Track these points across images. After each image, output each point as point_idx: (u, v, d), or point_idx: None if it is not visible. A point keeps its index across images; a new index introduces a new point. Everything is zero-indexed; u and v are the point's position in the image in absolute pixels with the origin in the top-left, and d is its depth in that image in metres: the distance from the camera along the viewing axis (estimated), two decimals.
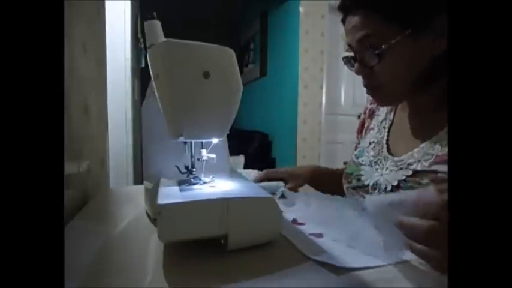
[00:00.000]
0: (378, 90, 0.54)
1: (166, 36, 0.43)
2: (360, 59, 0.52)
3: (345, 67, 0.57)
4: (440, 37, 0.46)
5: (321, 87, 2.63)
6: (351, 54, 0.56)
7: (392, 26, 0.47)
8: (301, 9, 2.55)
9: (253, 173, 0.79)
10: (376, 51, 0.48)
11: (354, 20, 0.50)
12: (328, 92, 2.66)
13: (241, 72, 0.88)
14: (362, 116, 0.72)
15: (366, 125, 0.70)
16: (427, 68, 0.49)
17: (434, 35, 0.47)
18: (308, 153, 2.67)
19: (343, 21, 0.54)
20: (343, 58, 0.57)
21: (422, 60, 0.49)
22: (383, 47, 0.48)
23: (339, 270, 0.32)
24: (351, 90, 2.74)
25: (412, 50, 0.48)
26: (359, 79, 0.55)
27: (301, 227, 0.45)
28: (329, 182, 0.73)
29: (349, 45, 0.54)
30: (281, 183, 0.73)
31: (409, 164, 0.50)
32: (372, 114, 0.70)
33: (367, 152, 0.62)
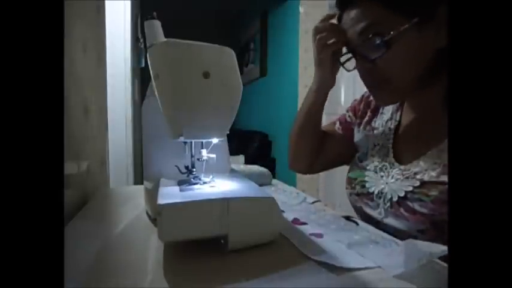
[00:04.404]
0: (382, 87, 0.51)
1: (166, 36, 0.43)
2: (363, 52, 0.50)
3: (345, 67, 0.56)
4: (445, 28, 0.45)
5: None
6: (348, 56, 0.54)
7: (396, 15, 0.46)
8: (301, 9, 2.55)
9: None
10: (384, 38, 0.46)
11: (353, 12, 0.49)
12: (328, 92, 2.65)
13: (241, 72, 0.88)
14: (358, 102, 0.69)
15: (366, 119, 0.66)
16: (432, 62, 0.48)
17: (438, 26, 0.45)
18: None
19: (339, 19, 0.53)
20: (340, 62, 0.56)
21: (427, 53, 0.47)
22: (392, 33, 0.45)
23: (339, 270, 0.32)
24: (351, 90, 2.73)
25: (418, 41, 0.46)
26: (359, 79, 0.53)
27: (301, 227, 0.45)
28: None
29: (347, 43, 0.52)
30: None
31: (416, 173, 0.48)
32: (375, 109, 0.65)
33: (372, 156, 0.58)
